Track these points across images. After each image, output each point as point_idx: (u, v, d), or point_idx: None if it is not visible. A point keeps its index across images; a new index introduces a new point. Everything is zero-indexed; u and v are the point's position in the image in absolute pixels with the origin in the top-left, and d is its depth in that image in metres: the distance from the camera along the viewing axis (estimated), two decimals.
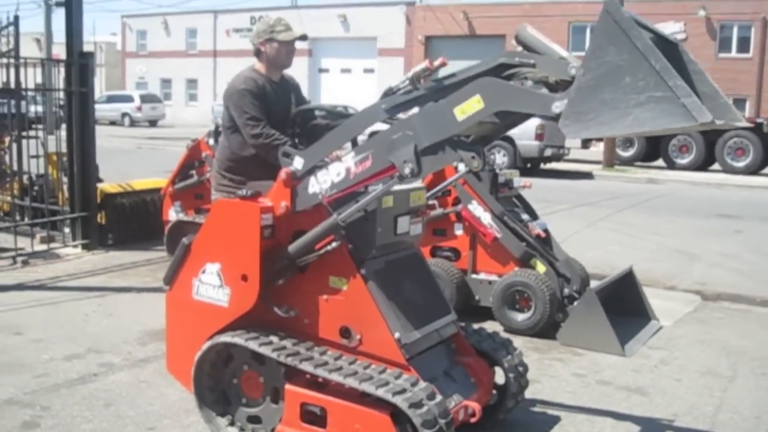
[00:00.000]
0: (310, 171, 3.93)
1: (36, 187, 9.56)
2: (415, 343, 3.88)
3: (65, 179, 9.17)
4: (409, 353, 3.83)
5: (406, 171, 3.58)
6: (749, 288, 8.38)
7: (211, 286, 4.07)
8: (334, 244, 3.85)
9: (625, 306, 6.54)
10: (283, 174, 3.93)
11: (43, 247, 8.78)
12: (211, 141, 8.29)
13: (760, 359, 5.89)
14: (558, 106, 3.25)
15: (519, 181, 7.05)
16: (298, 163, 3.93)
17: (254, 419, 4.07)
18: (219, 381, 4.15)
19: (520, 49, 3.74)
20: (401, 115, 3.88)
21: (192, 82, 51.57)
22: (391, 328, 3.80)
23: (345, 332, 3.91)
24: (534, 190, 7.58)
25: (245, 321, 4.02)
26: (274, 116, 4.85)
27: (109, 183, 9.80)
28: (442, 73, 3.85)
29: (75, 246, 8.97)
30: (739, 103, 36.00)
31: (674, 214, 14.43)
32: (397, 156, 3.61)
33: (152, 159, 21.10)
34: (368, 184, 3.85)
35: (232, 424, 4.12)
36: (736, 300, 7.86)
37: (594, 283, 6.75)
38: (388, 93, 3.83)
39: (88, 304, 6.82)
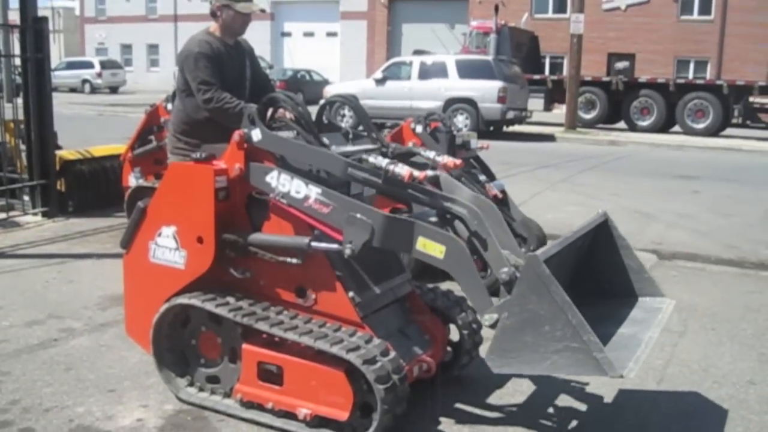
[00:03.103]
0: (275, 158, 3.94)
1: None
2: (369, 301, 3.96)
3: (23, 147, 9.08)
4: (364, 312, 3.90)
5: (347, 251, 3.64)
6: (704, 247, 8.55)
7: (168, 248, 4.09)
8: (294, 261, 3.87)
9: None
10: (236, 136, 3.93)
11: (2, 215, 8.68)
12: (170, 106, 8.20)
13: (710, 315, 6.05)
14: (487, 319, 3.49)
15: (476, 142, 7.10)
16: (256, 134, 3.92)
17: (213, 379, 4.13)
18: (177, 342, 4.20)
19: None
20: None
21: (153, 48, 50.98)
22: (345, 287, 3.86)
23: (300, 292, 3.97)
24: (496, 152, 7.66)
25: (202, 283, 4.05)
26: (229, 79, 4.86)
27: (68, 150, 9.71)
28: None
29: (35, 214, 8.90)
30: (701, 65, 36.40)
31: (634, 176, 14.63)
32: (348, 232, 3.65)
33: (114, 126, 20.87)
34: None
35: (191, 384, 4.18)
36: (691, 259, 8.02)
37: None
38: (361, 161, 3.86)
39: (48, 271, 6.81)
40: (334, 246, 3.75)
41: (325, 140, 4.09)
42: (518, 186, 10.36)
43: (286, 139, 3.95)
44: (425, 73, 22.72)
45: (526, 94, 23.95)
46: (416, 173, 3.77)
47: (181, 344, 4.19)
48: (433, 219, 4.03)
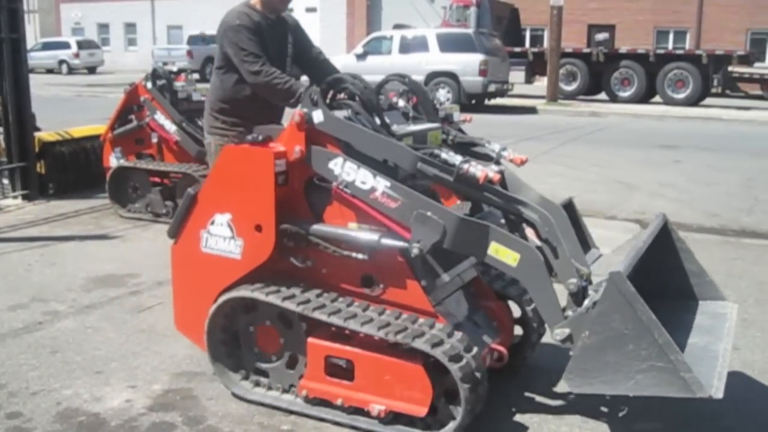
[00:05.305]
0: (339, 143, 3.67)
1: None
2: (440, 289, 3.71)
3: (1, 130, 8.99)
4: (436, 300, 3.66)
5: (414, 250, 3.42)
6: (687, 216, 8.59)
7: (222, 237, 3.85)
8: (360, 256, 3.63)
9: None
10: (297, 116, 3.64)
11: None
12: (149, 84, 8.18)
13: None
14: (558, 333, 3.34)
15: (459, 115, 7.06)
16: (317, 116, 3.64)
17: (260, 372, 3.95)
18: (233, 325, 3.98)
19: None
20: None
21: (130, 27, 50.38)
22: (416, 276, 3.61)
23: (367, 281, 3.72)
24: (478, 125, 7.61)
25: (257, 272, 3.82)
26: (270, 55, 4.65)
27: (47, 131, 9.63)
28: None
29: (15, 197, 8.84)
30: (680, 35, 36.40)
31: (616, 146, 14.68)
32: (418, 231, 3.41)
33: (93, 106, 20.67)
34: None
35: (246, 378, 3.99)
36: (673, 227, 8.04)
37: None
38: (433, 155, 3.63)
39: (30, 254, 6.77)
40: (404, 244, 3.51)
41: (387, 120, 3.83)
42: None
43: (351, 124, 3.66)
44: (406, 47, 22.65)
45: (508, 67, 23.92)
46: (491, 174, 3.50)
47: (237, 327, 3.97)
48: (502, 221, 3.83)
